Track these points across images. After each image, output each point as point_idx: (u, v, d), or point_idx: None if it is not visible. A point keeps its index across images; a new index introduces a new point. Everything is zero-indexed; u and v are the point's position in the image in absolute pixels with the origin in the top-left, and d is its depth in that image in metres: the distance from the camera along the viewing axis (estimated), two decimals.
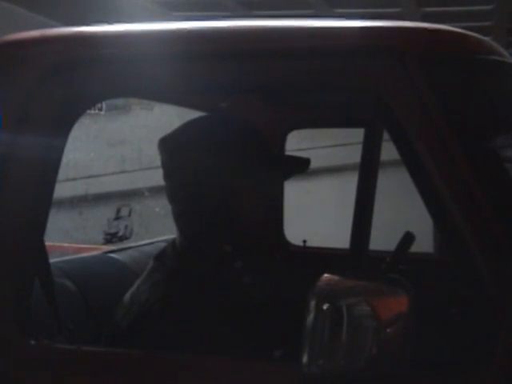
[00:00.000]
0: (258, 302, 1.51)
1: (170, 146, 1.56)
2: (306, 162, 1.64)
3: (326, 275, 1.15)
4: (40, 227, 1.36)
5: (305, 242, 2.92)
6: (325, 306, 1.11)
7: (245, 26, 1.37)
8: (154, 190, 6.69)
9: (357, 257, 1.26)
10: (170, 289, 1.47)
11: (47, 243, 1.41)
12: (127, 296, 1.53)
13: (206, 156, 1.50)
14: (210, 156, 1.50)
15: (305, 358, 1.12)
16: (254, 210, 1.52)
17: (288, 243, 2.98)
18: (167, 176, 1.56)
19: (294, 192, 6.66)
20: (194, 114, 1.70)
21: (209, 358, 1.30)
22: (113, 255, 2.18)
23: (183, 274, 1.50)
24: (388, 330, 1.11)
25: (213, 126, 1.56)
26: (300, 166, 1.64)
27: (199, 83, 1.37)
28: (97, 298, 1.78)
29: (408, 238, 1.66)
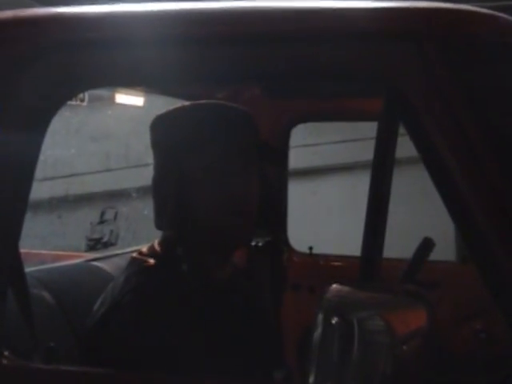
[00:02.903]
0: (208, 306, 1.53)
1: (152, 125, 1.64)
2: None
3: (334, 286, 1.15)
4: (14, 232, 1.35)
5: (311, 248, 2.93)
6: (333, 320, 1.11)
7: (244, 7, 1.37)
8: (142, 191, 6.67)
9: (369, 265, 1.26)
10: (143, 279, 1.52)
11: (22, 250, 1.41)
12: (101, 296, 1.57)
13: (172, 141, 1.57)
14: (176, 142, 1.56)
15: (311, 379, 1.12)
16: (211, 204, 1.53)
17: (292, 250, 2.98)
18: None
19: (299, 193, 6.67)
20: None
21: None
22: (96, 263, 2.18)
23: (158, 266, 1.54)
24: (404, 348, 1.10)
25: (192, 113, 1.59)
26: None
27: (194, 71, 1.37)
28: (78, 312, 1.78)
29: (427, 245, 1.66)
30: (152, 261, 1.57)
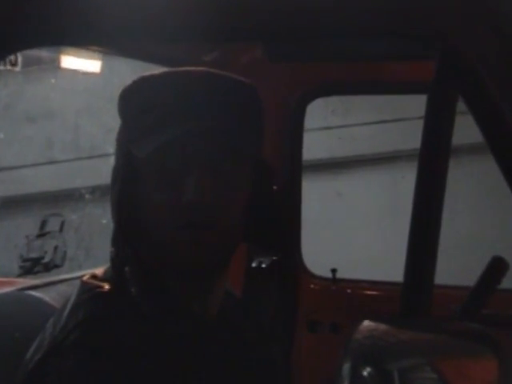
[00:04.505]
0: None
1: (118, 100, 1.63)
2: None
3: (366, 323, 1.15)
4: None
5: (334, 271, 2.93)
6: (365, 371, 1.11)
7: None
8: (99, 191, 6.70)
9: (415, 295, 1.26)
10: (93, 311, 1.53)
11: None
12: (39, 336, 1.58)
13: (125, 122, 1.59)
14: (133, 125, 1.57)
15: None
16: (155, 212, 1.54)
17: (308, 273, 2.99)
18: None
19: (318, 195, 6.67)
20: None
21: None
22: (34, 293, 2.18)
23: (114, 293, 1.56)
24: None
25: (159, 83, 1.59)
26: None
27: (171, 24, 1.37)
28: (7, 360, 1.78)
29: (497, 267, 1.66)
30: (107, 286, 1.58)
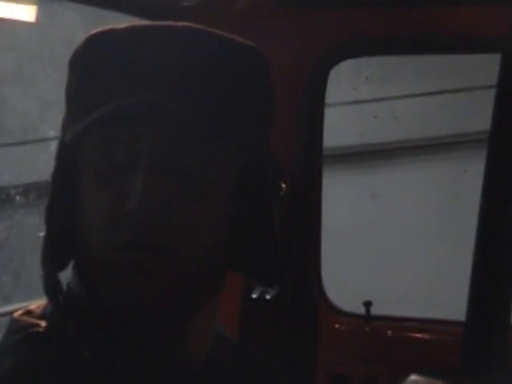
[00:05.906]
0: None
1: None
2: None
3: (414, 378, 1.16)
4: None
5: (369, 305, 2.94)
6: None
7: None
8: (34, 191, 6.73)
9: (482, 339, 1.28)
10: (23, 361, 1.55)
11: None
12: None
13: (66, 96, 1.58)
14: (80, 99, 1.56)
15: None
16: (88, 225, 1.53)
17: (331, 307, 3.01)
18: None
19: (346, 197, 6.70)
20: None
21: None
22: None
23: (52, 335, 1.58)
24: None
25: (119, 41, 1.59)
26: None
27: None
28: None
29: None
30: (44, 324, 1.59)
